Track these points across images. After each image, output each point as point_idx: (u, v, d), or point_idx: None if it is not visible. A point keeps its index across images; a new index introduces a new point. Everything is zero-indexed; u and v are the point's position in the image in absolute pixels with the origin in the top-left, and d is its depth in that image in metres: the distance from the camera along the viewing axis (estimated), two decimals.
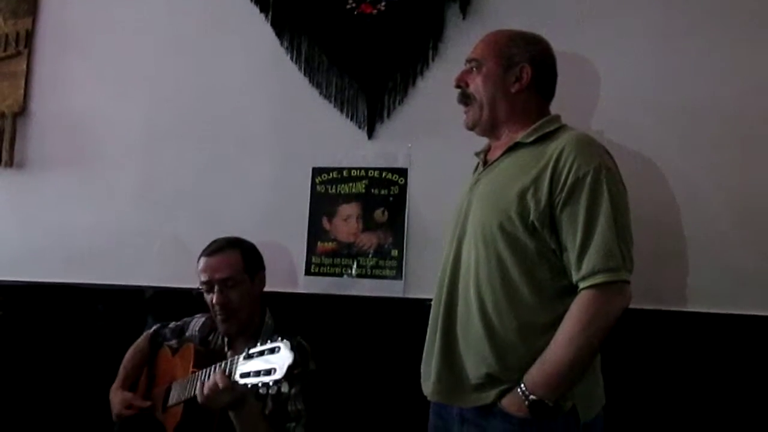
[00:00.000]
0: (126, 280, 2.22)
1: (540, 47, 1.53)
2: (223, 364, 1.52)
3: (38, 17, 2.47)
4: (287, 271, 2.09)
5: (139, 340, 1.95)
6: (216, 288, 1.75)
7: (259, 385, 1.38)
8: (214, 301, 1.75)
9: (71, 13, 2.43)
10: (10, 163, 2.40)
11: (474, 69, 1.52)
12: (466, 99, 1.54)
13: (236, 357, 1.48)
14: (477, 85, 1.51)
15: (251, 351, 1.43)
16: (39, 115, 2.42)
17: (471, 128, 1.55)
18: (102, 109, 2.35)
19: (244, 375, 1.42)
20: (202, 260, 1.79)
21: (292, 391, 1.62)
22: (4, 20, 2.49)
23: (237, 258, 1.78)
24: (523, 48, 1.50)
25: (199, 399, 1.54)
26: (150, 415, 1.79)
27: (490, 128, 1.53)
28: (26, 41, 2.45)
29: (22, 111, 2.42)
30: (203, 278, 1.78)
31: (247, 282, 1.78)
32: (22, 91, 2.42)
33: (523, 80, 1.48)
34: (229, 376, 1.48)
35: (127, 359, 1.92)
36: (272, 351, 1.39)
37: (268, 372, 1.36)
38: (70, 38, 2.42)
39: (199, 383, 1.55)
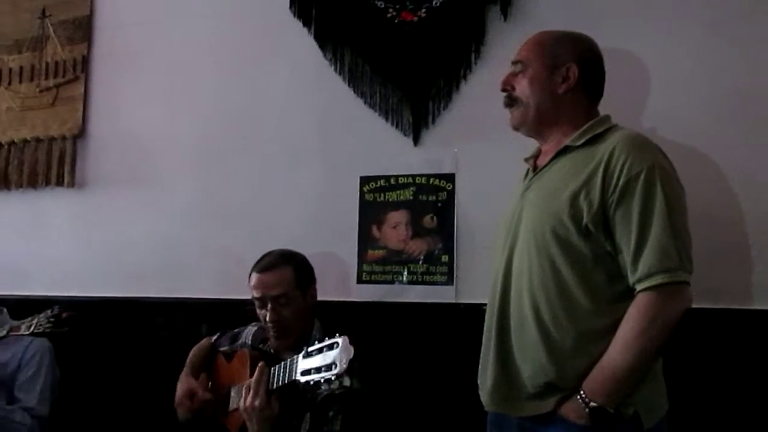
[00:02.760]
0: (182, 293, 2.28)
1: (586, 46, 1.50)
2: (283, 364, 1.54)
3: (93, 42, 2.57)
4: (339, 280, 2.11)
5: (203, 340, 1.98)
6: (269, 305, 1.76)
7: (322, 381, 1.39)
8: (267, 318, 1.76)
9: (124, 37, 2.52)
10: (71, 184, 2.50)
11: (519, 71, 1.51)
12: (512, 102, 1.52)
13: (295, 356, 1.49)
14: (523, 88, 1.49)
15: (310, 349, 1.45)
16: (97, 136, 2.52)
17: (516, 128, 1.54)
18: (156, 129, 2.43)
19: (305, 372, 1.43)
20: (255, 276, 1.80)
21: (330, 413, 1.60)
22: (62, 47, 2.59)
23: (289, 274, 1.78)
24: (568, 48, 1.48)
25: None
26: (215, 419, 1.82)
27: (536, 129, 1.51)
28: (83, 66, 2.55)
29: (81, 133, 2.52)
30: (256, 294, 1.79)
31: (299, 298, 1.79)
32: (80, 114, 2.52)
33: (570, 80, 1.46)
34: (290, 377, 1.49)
35: (194, 353, 1.94)
36: (331, 347, 1.40)
37: (329, 367, 1.37)
38: (124, 61, 2.51)
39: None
